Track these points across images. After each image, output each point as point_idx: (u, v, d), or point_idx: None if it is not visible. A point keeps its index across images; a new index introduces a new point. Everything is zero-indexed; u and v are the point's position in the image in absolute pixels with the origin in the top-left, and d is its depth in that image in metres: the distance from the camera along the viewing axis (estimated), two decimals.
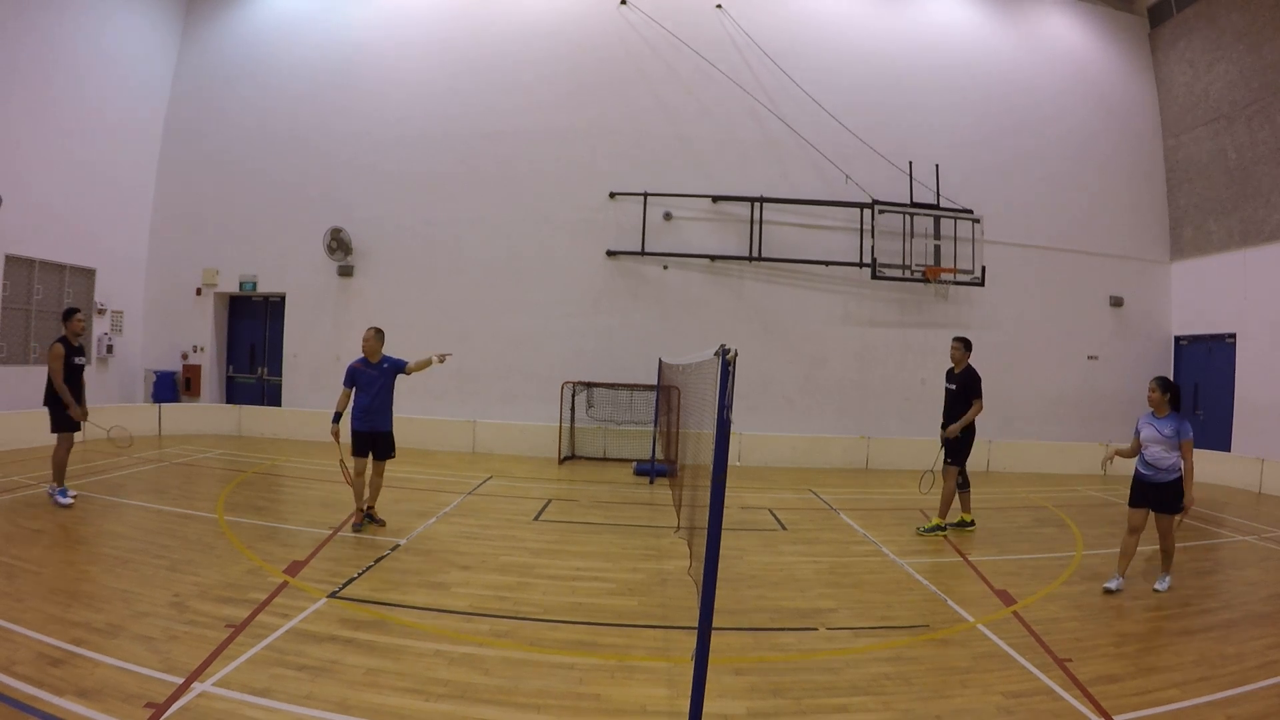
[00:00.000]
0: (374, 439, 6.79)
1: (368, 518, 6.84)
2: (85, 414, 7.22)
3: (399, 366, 6.86)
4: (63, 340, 7.08)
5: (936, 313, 12.95)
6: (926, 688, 3.87)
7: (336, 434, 6.66)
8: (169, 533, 6.26)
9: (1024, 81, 13.54)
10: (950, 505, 7.54)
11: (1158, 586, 5.67)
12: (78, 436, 7.35)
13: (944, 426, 7.55)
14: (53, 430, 7.09)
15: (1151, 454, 5.63)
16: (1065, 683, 3.93)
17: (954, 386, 7.53)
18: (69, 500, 6.90)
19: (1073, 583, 5.90)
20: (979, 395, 7.41)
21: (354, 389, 6.75)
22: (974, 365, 7.64)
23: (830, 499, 9.44)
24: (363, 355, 6.80)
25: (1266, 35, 11.74)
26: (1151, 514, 5.67)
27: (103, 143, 12.25)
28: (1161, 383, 5.69)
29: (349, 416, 6.69)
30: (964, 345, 7.54)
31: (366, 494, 6.88)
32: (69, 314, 7.28)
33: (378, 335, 6.83)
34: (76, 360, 7.21)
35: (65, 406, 6.98)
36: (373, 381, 6.74)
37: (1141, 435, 5.74)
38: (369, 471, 6.89)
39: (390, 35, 13.29)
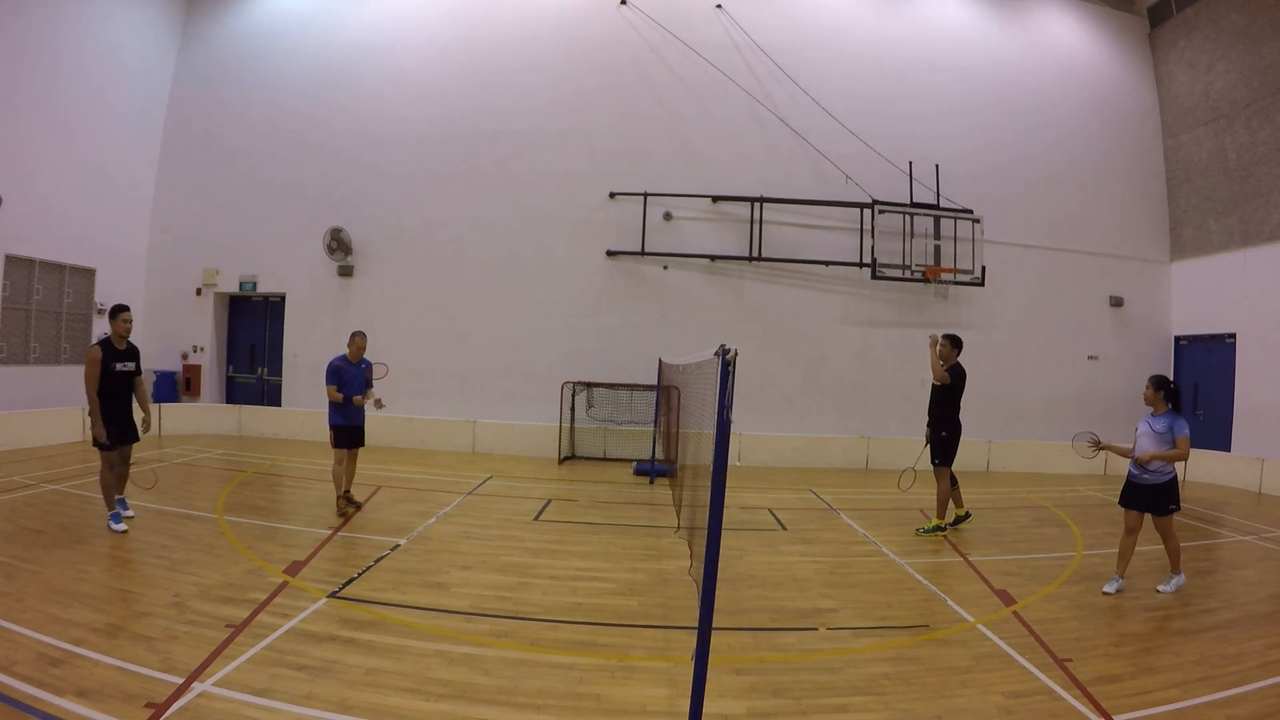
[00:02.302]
0: (354, 432, 7.47)
1: (347, 501, 7.44)
2: (148, 426, 6.52)
3: (371, 371, 7.64)
4: (103, 343, 6.30)
5: (936, 313, 12.95)
6: (926, 688, 3.87)
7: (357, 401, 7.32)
8: (169, 533, 6.26)
9: (1024, 82, 13.54)
10: (946, 505, 7.56)
11: (1162, 588, 5.63)
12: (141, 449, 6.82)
13: (929, 424, 7.60)
14: (94, 445, 6.29)
15: (1140, 450, 5.58)
16: (1065, 683, 3.93)
17: (937, 384, 7.56)
18: (122, 527, 6.21)
19: (1073, 583, 5.90)
20: (958, 390, 7.49)
21: (339, 386, 7.26)
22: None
23: (830, 499, 9.44)
24: (345, 355, 7.41)
25: (1266, 35, 11.75)
26: (1149, 517, 5.63)
27: (103, 142, 12.27)
28: (1156, 380, 5.63)
29: (330, 414, 7.33)
30: (951, 343, 7.55)
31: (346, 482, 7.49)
32: (115, 312, 6.37)
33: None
34: (118, 367, 6.30)
35: (93, 423, 6.13)
36: (355, 379, 7.40)
37: (1136, 432, 5.70)
38: (347, 463, 7.49)
39: (391, 35, 13.30)
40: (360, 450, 7.56)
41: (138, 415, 6.53)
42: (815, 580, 5.83)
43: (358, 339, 7.47)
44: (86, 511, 6.80)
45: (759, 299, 12.83)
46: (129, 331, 6.40)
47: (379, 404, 7.43)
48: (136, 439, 6.55)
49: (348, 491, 7.48)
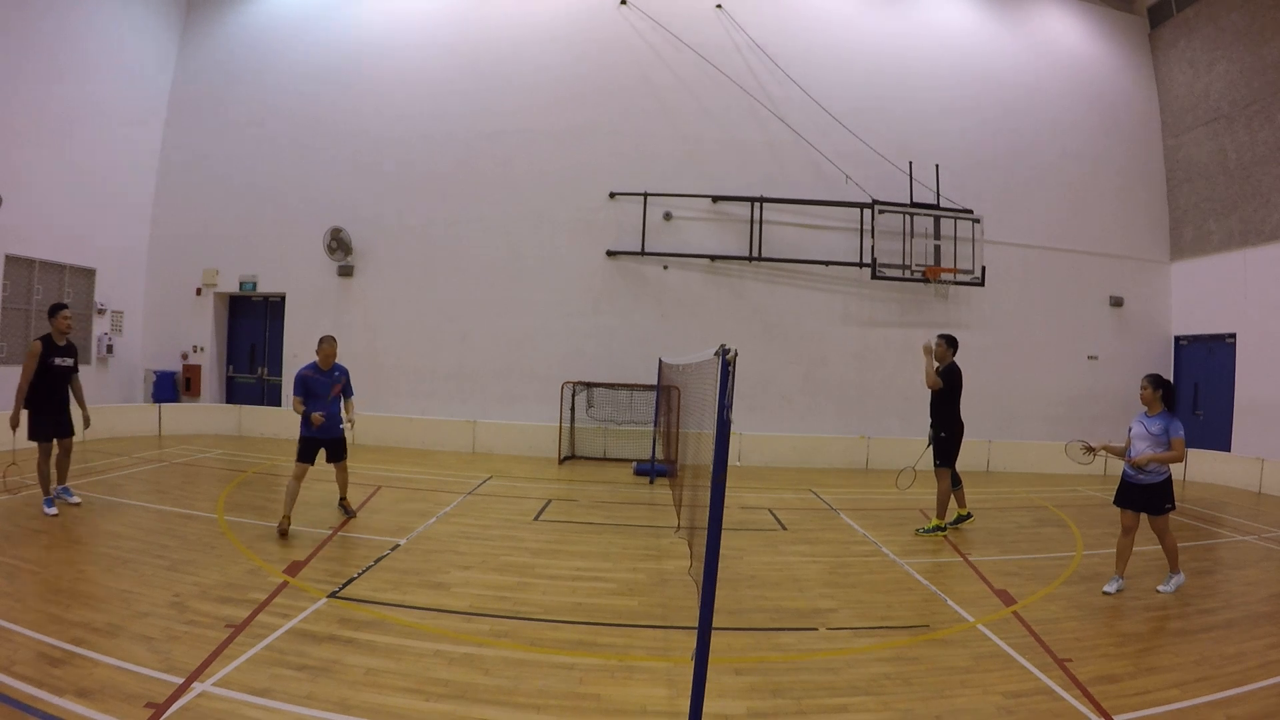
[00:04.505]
0: (327, 444, 6.91)
1: (340, 509, 7.18)
2: (88, 423, 6.78)
3: (347, 378, 7.05)
4: (44, 339, 6.55)
5: (936, 313, 12.94)
6: (926, 688, 3.87)
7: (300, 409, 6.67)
8: (169, 533, 6.26)
9: (1024, 82, 13.54)
10: (946, 505, 7.57)
11: (1162, 588, 5.63)
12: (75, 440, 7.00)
13: (931, 426, 7.60)
14: (29, 438, 6.54)
15: (1135, 451, 5.59)
16: (1065, 683, 3.93)
17: (931, 389, 7.56)
18: (54, 511, 6.55)
19: (1073, 583, 5.90)
20: (956, 390, 7.52)
21: (305, 397, 6.70)
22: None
23: (830, 499, 9.44)
24: (314, 363, 6.83)
25: (1266, 35, 11.74)
26: (1145, 516, 5.63)
27: (103, 142, 12.26)
28: (1153, 380, 5.63)
29: (300, 424, 6.71)
30: (947, 343, 7.55)
31: (298, 497, 6.93)
32: (54, 310, 6.67)
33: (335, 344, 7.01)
34: (57, 361, 6.56)
35: (14, 409, 6.34)
36: (325, 388, 6.85)
37: (1131, 432, 5.70)
38: (337, 473, 7.18)
39: (391, 35, 13.29)
40: (360, 451, 7.46)
41: (78, 413, 6.87)
42: (815, 580, 5.83)
43: (326, 345, 6.83)
44: (87, 511, 6.80)
45: (759, 299, 12.83)
46: (69, 329, 6.78)
47: (351, 422, 7.04)
48: (73, 433, 6.87)
49: (344, 499, 7.20)
